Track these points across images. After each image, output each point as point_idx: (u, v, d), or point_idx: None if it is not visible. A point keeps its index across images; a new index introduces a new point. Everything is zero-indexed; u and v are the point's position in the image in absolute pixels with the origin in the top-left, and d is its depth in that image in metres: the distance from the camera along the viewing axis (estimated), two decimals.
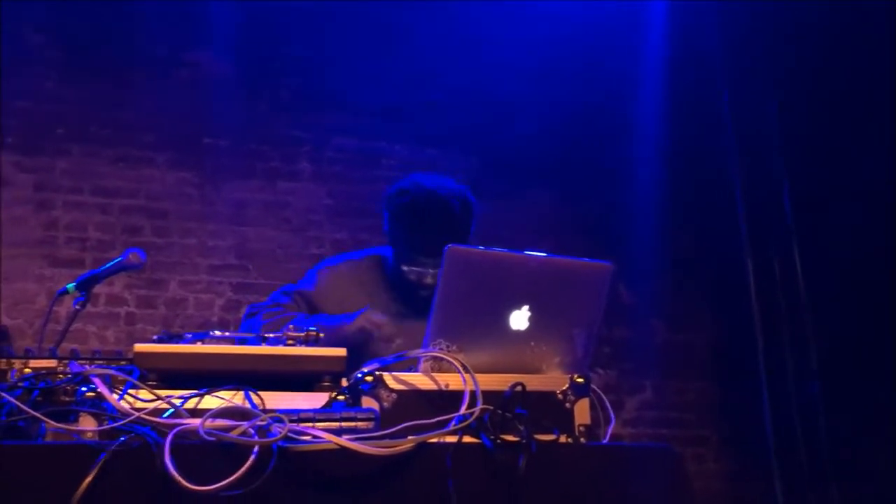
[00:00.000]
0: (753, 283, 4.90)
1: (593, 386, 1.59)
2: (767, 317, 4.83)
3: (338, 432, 1.28)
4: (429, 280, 2.32)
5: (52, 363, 1.48)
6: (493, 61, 4.77)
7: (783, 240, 4.83)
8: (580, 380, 1.57)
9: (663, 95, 4.79)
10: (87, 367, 1.43)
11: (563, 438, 1.49)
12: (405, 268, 2.36)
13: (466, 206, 2.41)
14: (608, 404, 1.64)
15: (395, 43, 4.66)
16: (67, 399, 1.37)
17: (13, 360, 1.49)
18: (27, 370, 1.46)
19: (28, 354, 1.52)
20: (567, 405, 1.55)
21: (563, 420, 1.53)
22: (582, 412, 1.56)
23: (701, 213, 5.03)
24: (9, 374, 1.48)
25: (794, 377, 4.70)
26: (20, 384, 1.37)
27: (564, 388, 1.56)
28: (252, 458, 1.18)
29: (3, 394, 1.28)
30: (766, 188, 4.92)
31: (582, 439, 1.54)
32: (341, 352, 1.52)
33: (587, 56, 4.79)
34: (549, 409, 1.52)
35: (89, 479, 1.14)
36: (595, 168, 4.85)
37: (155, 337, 1.51)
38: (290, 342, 1.53)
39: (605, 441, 1.65)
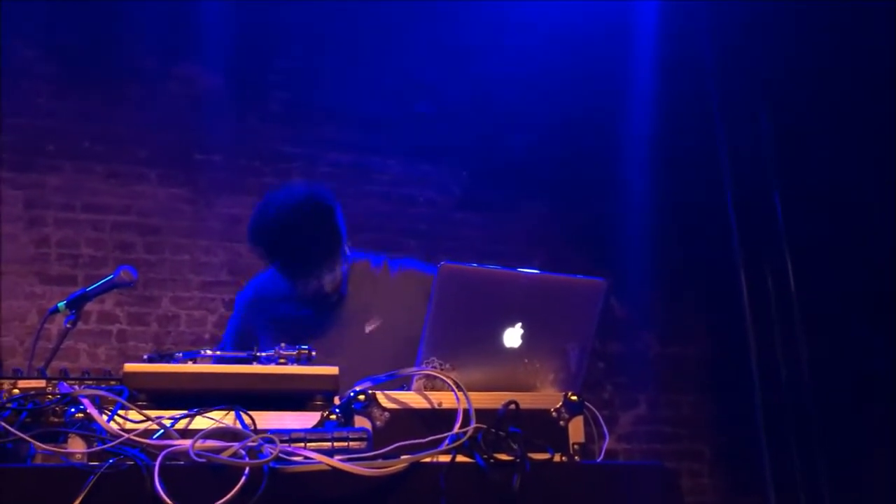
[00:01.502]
0: (746, 294, 4.90)
1: (587, 403, 1.58)
2: (760, 328, 4.83)
3: (330, 452, 1.27)
4: (327, 289, 2.30)
5: (41, 383, 1.46)
6: (485, 73, 4.78)
7: (776, 250, 4.84)
8: (574, 398, 1.56)
9: (655, 105, 4.80)
10: (76, 387, 1.42)
11: (557, 457, 1.48)
12: (299, 290, 2.32)
13: (322, 210, 2.29)
14: (602, 421, 1.63)
15: (387, 56, 4.67)
16: (56, 420, 1.36)
17: (2, 381, 1.48)
18: (16, 391, 1.45)
19: (17, 375, 1.50)
20: (561, 423, 1.54)
21: (558, 438, 1.52)
22: (576, 430, 1.55)
23: (693, 225, 5.04)
24: None
25: (788, 389, 4.69)
26: (8, 405, 1.35)
27: (558, 405, 1.55)
28: (243, 479, 1.17)
29: None
30: (758, 197, 4.93)
31: (576, 458, 1.53)
32: (333, 370, 1.51)
33: (578, 67, 4.81)
34: (543, 427, 1.51)
35: (77, 501, 1.13)
36: (587, 180, 4.86)
37: (145, 356, 1.50)
38: (282, 361, 1.52)
39: (599, 459, 1.64)
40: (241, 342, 2.39)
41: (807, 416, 4.60)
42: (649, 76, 4.80)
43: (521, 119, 4.84)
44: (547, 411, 1.54)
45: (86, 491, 1.14)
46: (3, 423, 1.26)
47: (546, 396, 1.57)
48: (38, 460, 1.29)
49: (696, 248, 5.05)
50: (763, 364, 4.81)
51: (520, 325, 1.59)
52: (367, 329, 2.34)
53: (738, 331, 4.89)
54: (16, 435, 1.24)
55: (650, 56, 4.81)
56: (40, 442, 1.25)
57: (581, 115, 4.84)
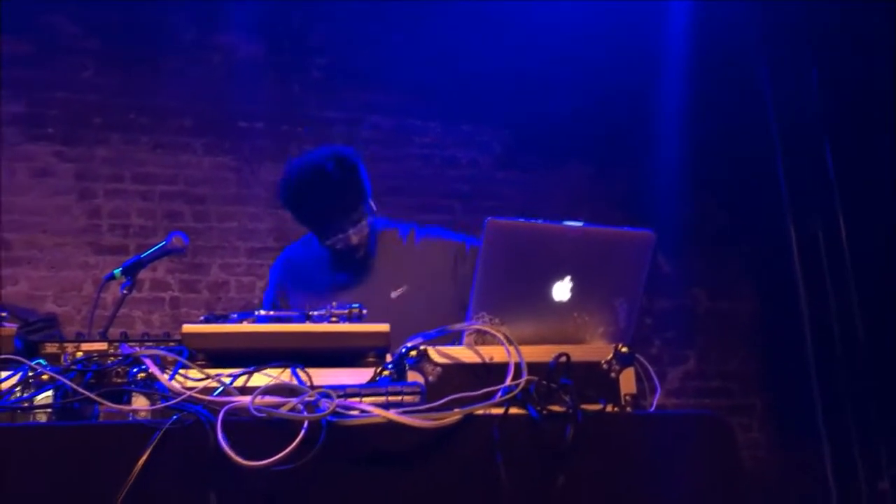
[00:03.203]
0: (796, 247, 4.82)
1: (638, 355, 1.58)
2: (812, 282, 4.75)
3: (385, 406, 1.29)
4: (354, 241, 2.39)
5: (103, 346, 1.51)
6: (525, 36, 4.72)
7: (826, 202, 4.74)
8: (625, 349, 1.55)
9: (698, 66, 4.70)
10: (137, 348, 1.46)
11: (609, 408, 1.48)
12: (328, 244, 2.42)
13: (344, 166, 2.39)
14: (653, 373, 1.63)
15: (425, 19, 4.63)
16: (120, 380, 1.40)
17: (65, 345, 1.53)
18: (79, 353, 1.50)
19: (80, 338, 1.55)
20: (612, 375, 1.54)
21: (609, 390, 1.52)
22: (627, 382, 1.55)
23: (740, 178, 4.96)
24: (62, 358, 1.51)
25: (841, 342, 4.62)
26: (73, 367, 1.40)
27: (609, 357, 1.55)
28: (302, 433, 1.20)
29: (58, 376, 1.31)
30: (808, 154, 4.82)
31: (628, 408, 1.53)
32: (385, 327, 1.53)
33: (619, 26, 4.72)
34: (594, 379, 1.51)
35: (145, 456, 1.16)
36: (630, 140, 4.80)
37: (202, 318, 1.53)
38: (335, 319, 1.54)
39: (651, 410, 1.64)
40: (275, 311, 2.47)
41: (860, 370, 4.53)
42: (693, 36, 4.70)
43: (563, 82, 4.78)
44: (598, 363, 1.54)
45: (152, 446, 1.17)
46: (71, 384, 1.30)
47: (596, 349, 1.57)
48: (104, 419, 1.33)
49: (745, 203, 4.97)
50: (815, 318, 4.74)
51: (568, 278, 1.59)
52: (394, 295, 2.41)
53: (789, 285, 4.82)
54: (83, 394, 1.29)
55: (692, 11, 4.70)
56: (106, 401, 1.29)
57: (622, 73, 4.76)
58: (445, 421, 1.28)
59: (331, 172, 2.35)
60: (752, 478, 4.45)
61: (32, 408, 1.29)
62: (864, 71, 4.55)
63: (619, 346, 1.56)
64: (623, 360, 1.55)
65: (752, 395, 4.78)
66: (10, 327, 1.47)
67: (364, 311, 1.59)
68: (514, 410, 1.35)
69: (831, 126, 4.76)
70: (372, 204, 2.45)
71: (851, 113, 4.66)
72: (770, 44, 4.97)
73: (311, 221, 2.43)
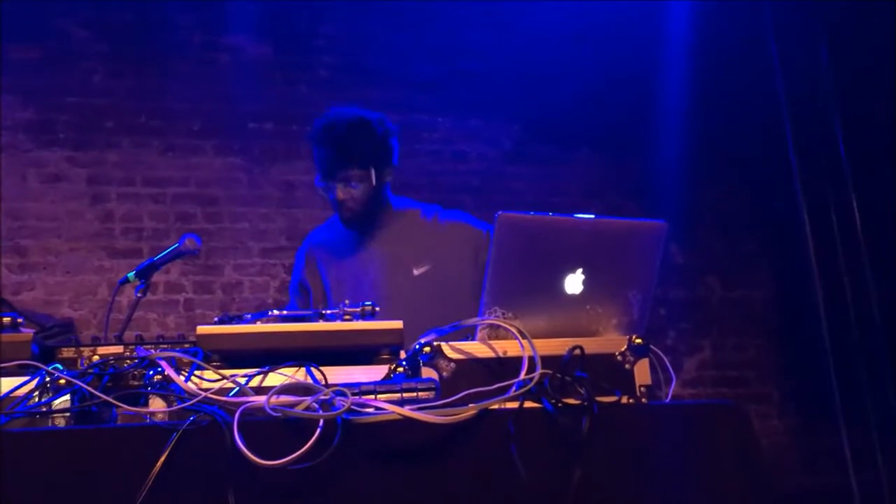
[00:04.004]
0: (811, 234, 4.78)
1: (652, 346, 1.57)
2: (827, 268, 4.72)
3: (399, 403, 1.29)
4: (339, 195, 2.44)
5: (119, 349, 1.52)
6: (531, 28, 4.71)
7: (840, 188, 4.70)
8: (639, 340, 1.55)
9: (707, 50, 4.68)
10: (153, 351, 1.47)
11: (624, 400, 1.48)
12: (320, 190, 2.50)
13: (384, 125, 2.51)
14: (668, 363, 1.62)
15: (431, 15, 4.63)
16: (136, 383, 1.41)
17: (82, 349, 1.54)
18: (96, 357, 1.51)
19: (95, 342, 1.56)
20: (627, 366, 1.53)
21: (624, 381, 1.52)
22: (642, 373, 1.55)
23: (753, 165, 4.93)
24: (78, 362, 1.52)
25: (857, 328, 4.59)
26: (90, 371, 1.41)
27: (623, 349, 1.55)
28: (318, 431, 1.20)
29: (75, 380, 1.32)
30: (820, 136, 4.78)
31: (643, 400, 1.52)
32: (398, 324, 1.53)
33: (626, 11, 4.69)
34: (608, 371, 1.51)
35: (163, 457, 1.17)
36: (641, 128, 4.78)
37: (216, 319, 1.54)
38: (348, 317, 1.54)
39: (667, 401, 1.64)
40: (302, 293, 2.59)
41: (878, 357, 4.50)
42: (700, 15, 4.67)
43: (569, 69, 4.76)
44: (612, 355, 1.54)
45: (170, 447, 1.18)
46: (88, 387, 1.31)
47: (610, 341, 1.56)
48: (121, 422, 1.34)
49: (757, 190, 4.94)
50: (830, 304, 4.70)
51: (580, 271, 1.59)
52: (416, 272, 2.46)
53: (804, 272, 4.79)
54: (100, 398, 1.29)
55: None
56: (123, 404, 1.30)
57: (630, 61, 4.74)
58: (461, 416, 1.28)
59: (370, 120, 2.48)
60: (771, 466, 4.43)
61: (50, 412, 1.30)
62: (873, 50, 4.50)
63: (633, 337, 1.56)
64: (637, 352, 1.55)
65: (769, 383, 4.75)
66: (27, 333, 1.48)
67: (377, 309, 1.59)
68: (529, 404, 1.35)
69: (842, 107, 4.71)
70: (389, 171, 2.52)
71: (862, 93, 4.62)
72: (779, 24, 4.92)
73: (327, 151, 2.46)
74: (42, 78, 4.11)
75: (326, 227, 2.68)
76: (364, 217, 2.49)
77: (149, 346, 1.53)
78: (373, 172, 2.44)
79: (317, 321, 1.55)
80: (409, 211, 2.59)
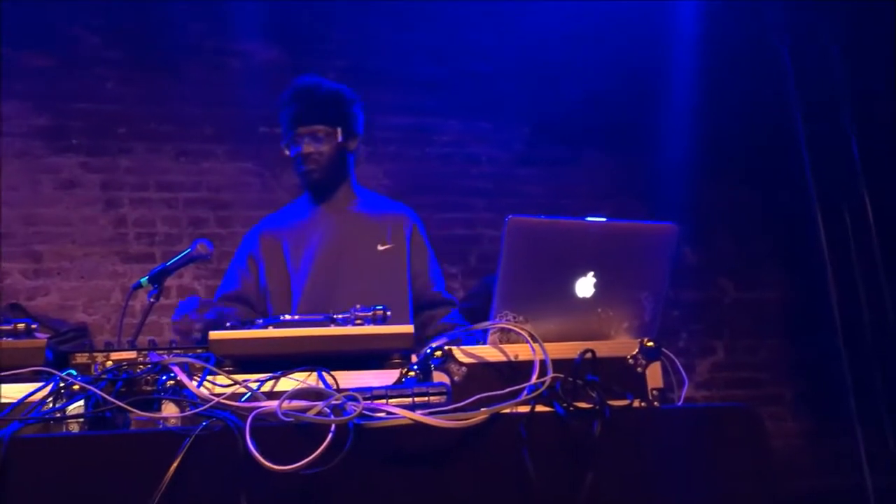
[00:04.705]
0: (824, 235, 4.75)
1: (664, 349, 1.57)
2: (840, 269, 4.69)
3: (411, 408, 1.30)
4: (305, 148, 2.54)
5: (132, 355, 1.53)
6: (540, 30, 4.71)
7: (853, 188, 4.67)
8: (650, 343, 1.55)
9: (717, 48, 4.65)
10: (165, 356, 1.47)
11: (636, 403, 1.48)
12: (284, 149, 2.59)
13: (352, 96, 2.64)
14: (680, 366, 1.62)
15: (441, 18, 4.64)
16: (149, 388, 1.42)
17: (95, 354, 1.55)
18: (109, 363, 1.52)
19: (109, 347, 1.58)
20: (638, 370, 1.53)
21: (636, 385, 1.51)
22: (654, 376, 1.54)
23: (765, 166, 4.90)
24: (92, 368, 1.53)
25: (871, 328, 4.56)
26: (104, 376, 1.42)
27: (635, 352, 1.54)
28: (329, 436, 1.21)
29: (89, 386, 1.33)
30: (832, 135, 4.74)
31: (656, 403, 1.52)
32: (409, 328, 1.54)
33: (634, 10, 4.68)
34: (620, 374, 1.51)
35: (176, 463, 1.18)
36: (651, 129, 4.76)
37: (228, 324, 1.54)
38: (359, 321, 1.55)
39: (679, 404, 1.63)
40: (251, 266, 2.60)
41: (892, 356, 4.46)
42: (709, 13, 4.64)
43: (579, 70, 4.75)
44: (624, 359, 1.54)
45: (183, 452, 1.19)
46: (101, 393, 1.32)
47: (622, 344, 1.56)
48: (134, 427, 1.35)
49: (769, 190, 4.92)
50: (844, 305, 4.67)
51: (591, 274, 1.59)
52: (380, 248, 2.58)
53: (817, 273, 4.76)
54: (113, 403, 1.30)
55: None
56: (136, 409, 1.31)
57: (640, 60, 4.72)
58: (472, 420, 1.28)
59: (338, 88, 2.61)
60: (784, 468, 4.41)
61: (64, 418, 1.31)
62: (886, 48, 4.47)
63: (645, 340, 1.56)
64: (649, 355, 1.55)
65: (782, 385, 4.73)
66: (42, 338, 1.50)
67: (388, 313, 1.59)
68: (540, 408, 1.35)
69: (855, 105, 4.68)
70: (353, 144, 2.62)
71: (874, 91, 4.59)
72: (790, 23, 4.89)
73: (296, 107, 2.55)
74: (55, 85, 4.14)
75: (281, 210, 2.76)
76: (328, 181, 2.59)
77: (161, 352, 1.54)
78: (339, 131, 2.55)
79: (328, 326, 1.55)
80: (368, 192, 2.75)
